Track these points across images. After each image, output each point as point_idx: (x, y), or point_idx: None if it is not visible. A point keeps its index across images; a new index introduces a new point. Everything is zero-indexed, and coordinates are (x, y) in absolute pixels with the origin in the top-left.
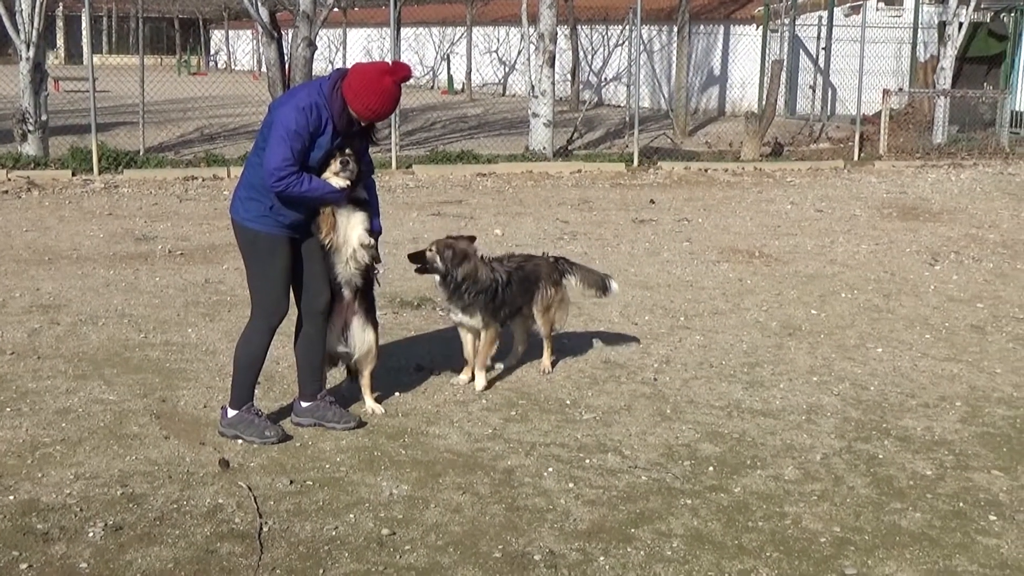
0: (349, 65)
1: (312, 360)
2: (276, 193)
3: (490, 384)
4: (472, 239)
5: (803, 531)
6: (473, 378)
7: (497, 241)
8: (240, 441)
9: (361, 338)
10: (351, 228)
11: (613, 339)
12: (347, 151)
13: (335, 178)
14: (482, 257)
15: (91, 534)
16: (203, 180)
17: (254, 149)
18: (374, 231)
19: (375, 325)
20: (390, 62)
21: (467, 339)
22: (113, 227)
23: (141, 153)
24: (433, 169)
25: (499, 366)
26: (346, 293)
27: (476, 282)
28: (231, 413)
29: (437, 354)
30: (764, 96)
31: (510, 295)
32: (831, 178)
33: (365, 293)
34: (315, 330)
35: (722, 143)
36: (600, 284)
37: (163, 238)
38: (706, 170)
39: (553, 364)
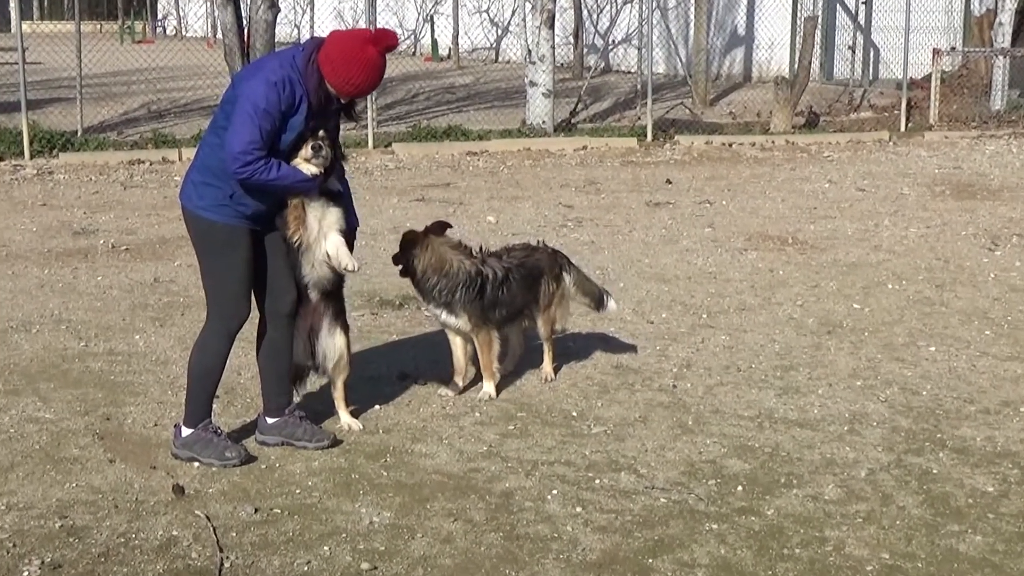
0: (318, 31)
1: (278, 369)
2: (239, 180)
3: (476, 390)
4: (443, 226)
5: (846, 559)
6: (464, 390)
7: (491, 229)
8: (197, 464)
9: (330, 344)
10: (324, 226)
11: (625, 340)
12: (320, 134)
13: (306, 165)
14: (462, 247)
15: (25, 573)
16: (151, 164)
17: (211, 127)
18: (350, 227)
19: (346, 328)
20: (372, 29)
21: (456, 343)
22: (48, 219)
23: (79, 134)
24: (416, 148)
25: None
26: (313, 295)
27: (446, 276)
28: (186, 432)
29: (423, 360)
30: (796, 59)
31: (506, 295)
32: (874, 152)
33: (333, 293)
34: (280, 335)
35: (749, 113)
36: (596, 297)
37: (105, 231)
38: (730, 144)
39: (556, 370)
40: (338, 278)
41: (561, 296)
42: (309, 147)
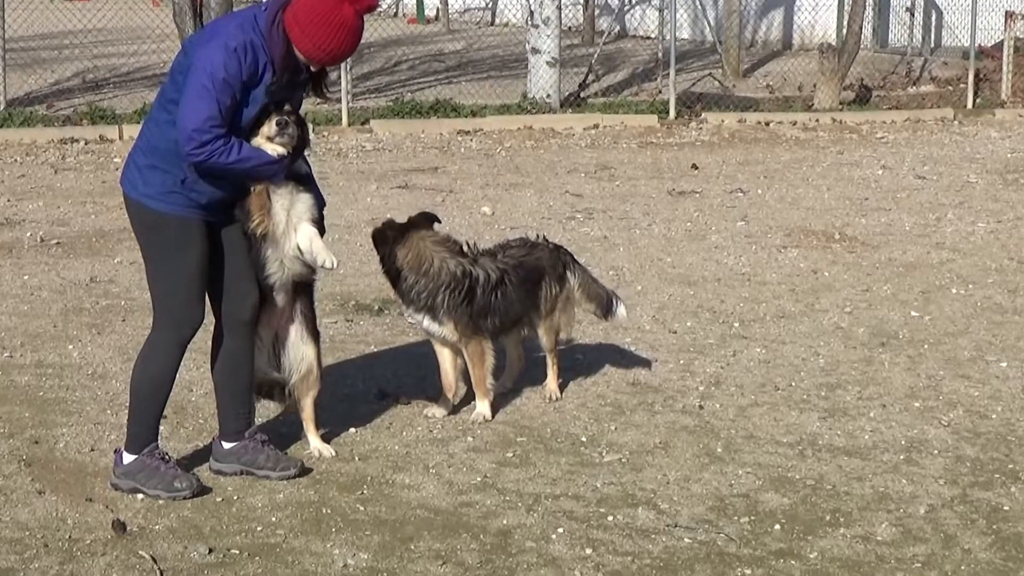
0: None
1: (237, 386)
2: (194, 163)
3: (469, 410)
4: (429, 218)
5: None
6: (454, 410)
7: (485, 222)
8: (140, 496)
9: (298, 355)
10: (294, 216)
11: (644, 353)
12: (285, 107)
13: (268, 144)
14: (449, 242)
15: None
16: (86, 143)
17: (159, 102)
18: (318, 208)
19: (316, 337)
20: None
21: (444, 356)
22: None
23: (2, 108)
24: (398, 125)
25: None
26: (279, 298)
27: (426, 276)
28: (128, 459)
29: (406, 376)
30: (845, 23)
31: (501, 300)
32: (936, 133)
33: (302, 296)
34: (239, 346)
35: (788, 86)
36: (604, 301)
37: (33, 222)
38: (767, 123)
39: (562, 387)
40: (308, 278)
41: (566, 300)
42: (273, 123)
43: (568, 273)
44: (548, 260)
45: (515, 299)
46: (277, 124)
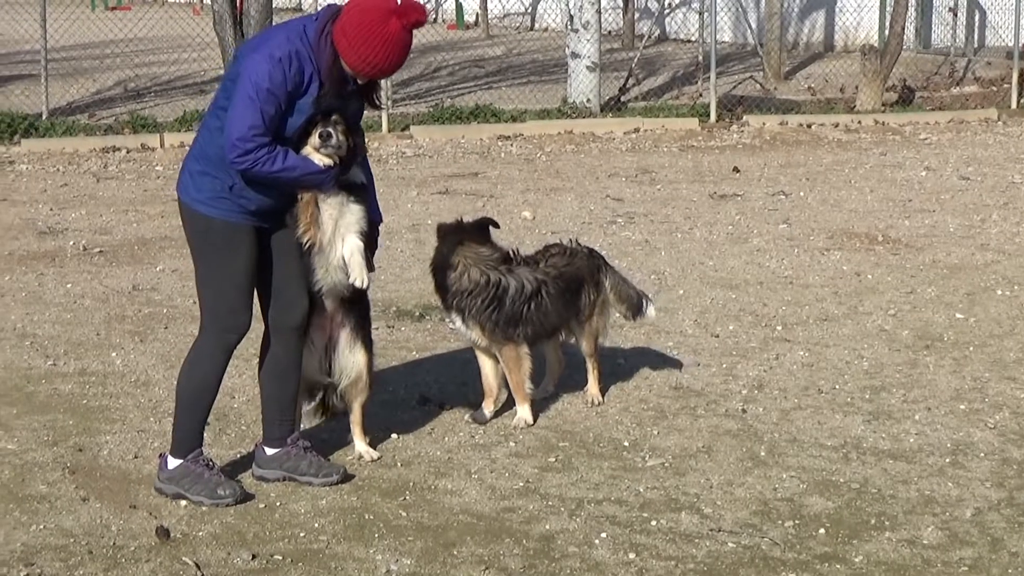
0: None
1: (283, 393)
2: (239, 171)
3: (510, 415)
4: (483, 225)
5: None
6: (496, 416)
7: (526, 227)
8: (184, 502)
9: (349, 361)
10: (342, 226)
11: (686, 357)
12: (333, 118)
13: (315, 154)
14: (487, 249)
15: None
16: (128, 152)
17: (212, 109)
18: (372, 223)
19: (368, 344)
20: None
21: (484, 362)
22: (8, 217)
23: (44, 117)
24: (438, 131)
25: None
26: (328, 304)
27: (453, 279)
28: (173, 463)
29: (448, 382)
30: (887, 24)
31: (535, 311)
32: (980, 133)
33: (355, 300)
34: (287, 353)
35: (830, 88)
36: (634, 302)
37: (76, 231)
38: (809, 125)
39: (603, 392)
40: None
41: (603, 304)
42: (317, 134)
43: (603, 277)
44: (587, 267)
45: (552, 309)
46: (320, 136)
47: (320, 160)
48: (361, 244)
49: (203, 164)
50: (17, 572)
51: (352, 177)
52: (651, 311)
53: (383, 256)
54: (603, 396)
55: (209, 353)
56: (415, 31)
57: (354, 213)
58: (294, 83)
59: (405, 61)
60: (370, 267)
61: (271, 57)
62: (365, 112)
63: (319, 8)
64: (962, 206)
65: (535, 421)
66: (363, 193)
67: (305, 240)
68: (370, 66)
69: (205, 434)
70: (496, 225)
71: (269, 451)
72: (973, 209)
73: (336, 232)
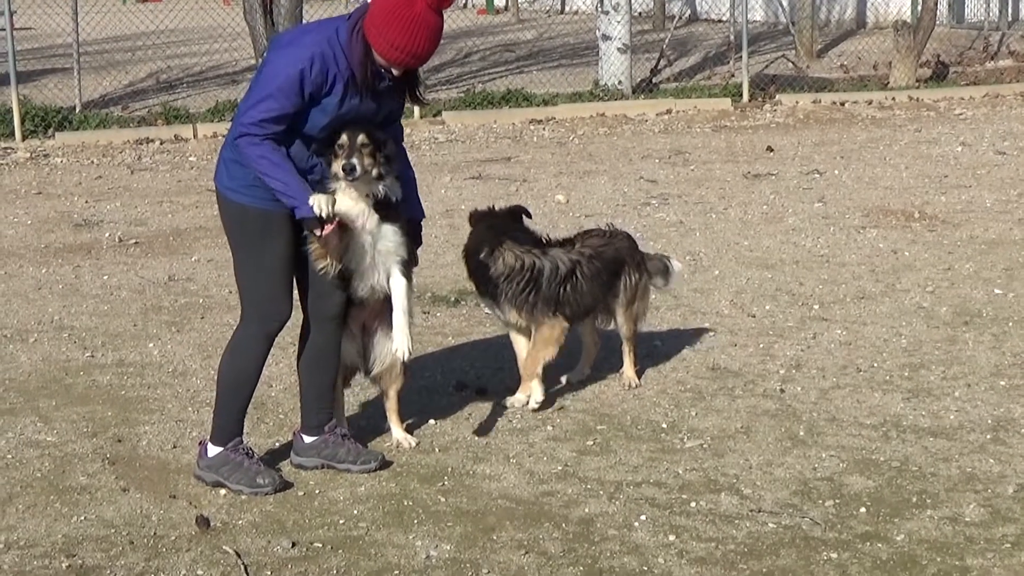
0: None
1: (321, 381)
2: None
3: (550, 401)
4: (516, 212)
5: None
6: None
7: (560, 211)
8: (224, 491)
9: (384, 347)
10: (381, 252)
11: (723, 338)
12: (360, 139)
13: (339, 188)
14: (519, 234)
15: None
16: (161, 143)
17: (247, 97)
18: (415, 220)
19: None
20: None
21: (518, 344)
22: (44, 210)
23: (78, 110)
24: (470, 116)
25: (563, 379)
26: (367, 296)
27: (486, 263)
28: (212, 451)
29: (484, 368)
30: None
31: (572, 292)
32: (1016, 107)
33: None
34: (326, 341)
35: (863, 65)
36: (662, 269)
37: (111, 223)
38: (843, 103)
39: (639, 374)
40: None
41: (644, 288)
42: (341, 163)
43: (643, 260)
44: (627, 250)
45: (588, 290)
46: (345, 168)
47: (318, 207)
48: (406, 302)
49: (236, 153)
50: (59, 563)
51: (389, 192)
52: (676, 265)
53: None
54: (639, 378)
55: (249, 342)
56: (449, 20)
57: (390, 239)
58: (315, 84)
59: (436, 45)
60: (414, 261)
61: (296, 58)
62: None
63: None
64: (999, 181)
65: (547, 405)
66: (394, 213)
67: (320, 268)
68: (399, 50)
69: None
70: (528, 215)
71: (307, 439)
72: (1010, 183)
73: (376, 258)
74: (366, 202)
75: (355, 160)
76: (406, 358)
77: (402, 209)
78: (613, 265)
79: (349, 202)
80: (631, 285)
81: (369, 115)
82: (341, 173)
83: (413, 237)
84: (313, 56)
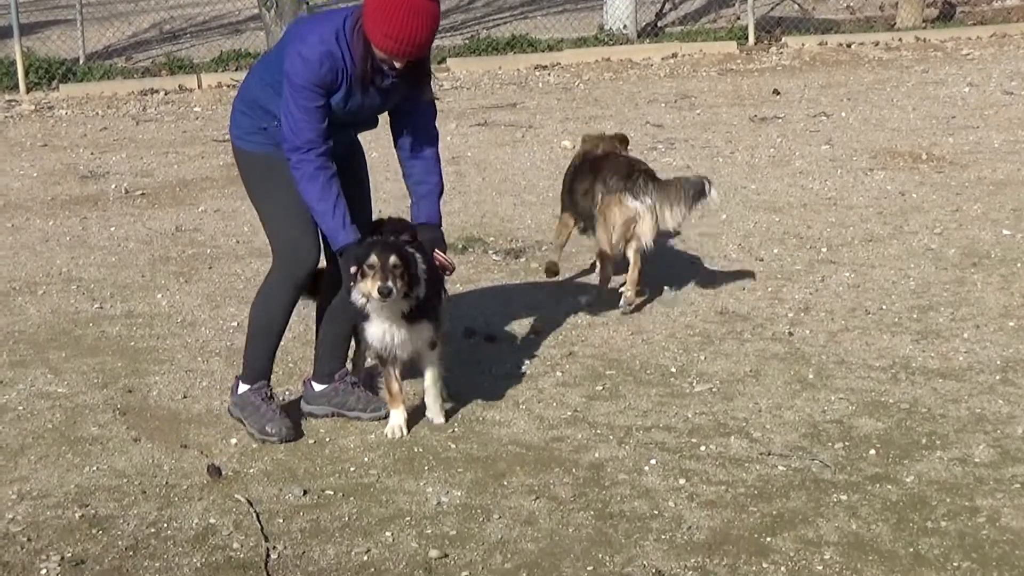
0: None
1: (338, 331)
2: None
3: (562, 347)
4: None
5: (1003, 531)
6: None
7: (566, 156)
8: (234, 440)
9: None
10: (411, 349)
11: (731, 281)
12: (391, 261)
13: (371, 307)
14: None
15: (44, 571)
16: (166, 93)
17: (264, 57)
18: (430, 224)
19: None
20: None
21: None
22: (50, 162)
23: (81, 61)
24: (475, 63)
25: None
26: None
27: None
28: (241, 389)
29: (493, 314)
30: None
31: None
32: (1023, 47)
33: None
34: (344, 291)
35: (870, 6)
36: (699, 190)
37: (117, 174)
38: (849, 45)
39: (648, 317)
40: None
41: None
42: (376, 286)
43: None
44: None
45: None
46: (381, 292)
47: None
48: (437, 381)
49: (242, 104)
50: (72, 513)
51: (414, 300)
52: (713, 194)
53: None
54: (649, 322)
55: (276, 288)
56: None
57: (424, 335)
58: (326, 81)
59: (433, 32)
60: (440, 298)
61: (305, 58)
62: None
63: None
64: (1006, 121)
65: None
66: (431, 311)
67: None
68: (394, 40)
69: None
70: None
71: (318, 387)
72: (1018, 124)
73: (408, 350)
74: (395, 315)
75: (391, 284)
76: (442, 421)
77: (419, 210)
78: None
79: (380, 321)
80: None
81: (374, 108)
82: (376, 295)
83: (433, 245)
84: (321, 56)
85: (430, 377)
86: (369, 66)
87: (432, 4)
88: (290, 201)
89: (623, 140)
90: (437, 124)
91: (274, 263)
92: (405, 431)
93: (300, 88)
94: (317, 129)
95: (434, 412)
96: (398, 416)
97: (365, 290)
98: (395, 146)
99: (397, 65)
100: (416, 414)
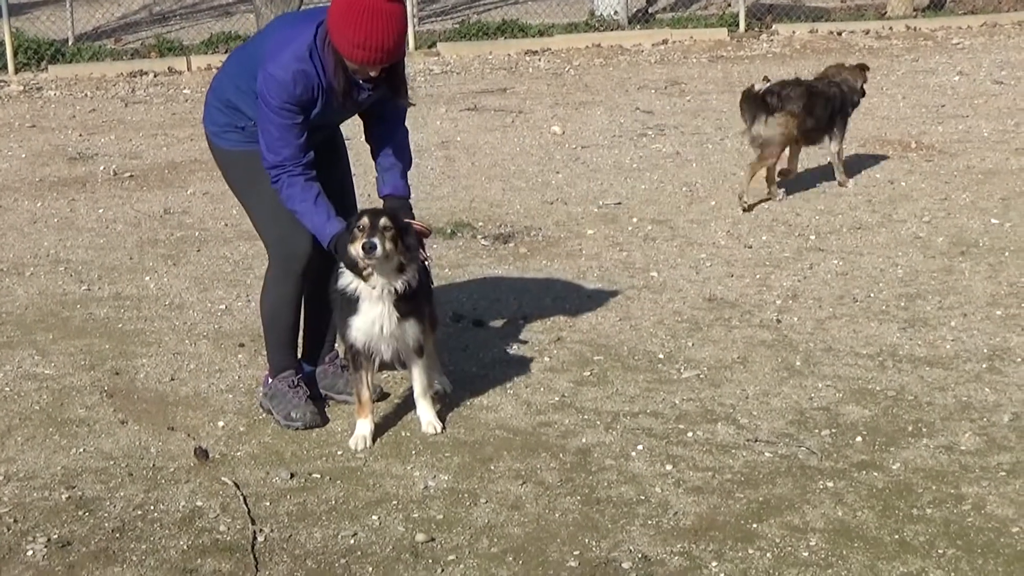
0: None
1: (325, 312)
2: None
3: (550, 333)
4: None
5: (988, 519)
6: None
7: (556, 141)
8: (221, 423)
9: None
10: (399, 346)
11: (719, 268)
12: (382, 222)
13: (361, 289)
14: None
15: (30, 552)
16: (155, 76)
17: (236, 56)
18: (399, 196)
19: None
20: None
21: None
22: (38, 143)
23: (70, 42)
24: (465, 47)
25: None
26: None
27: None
28: (269, 382)
29: (480, 299)
30: None
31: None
32: (1014, 36)
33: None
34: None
35: None
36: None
37: (105, 156)
38: (839, 33)
39: (637, 306)
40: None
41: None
42: (360, 243)
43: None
44: None
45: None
46: (365, 246)
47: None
48: (425, 383)
49: (217, 101)
50: (59, 495)
51: (410, 284)
52: None
53: (413, 175)
54: (639, 309)
55: (276, 279)
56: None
57: (412, 335)
58: (302, 100)
59: (402, 36)
60: (427, 233)
61: (275, 79)
62: None
63: None
64: (996, 111)
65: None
66: (420, 300)
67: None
68: (363, 49)
69: (240, 355)
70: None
71: (306, 368)
72: (1007, 113)
73: (397, 350)
74: (388, 300)
75: (376, 240)
76: (437, 431)
77: (384, 183)
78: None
79: (370, 304)
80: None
81: (352, 111)
82: (361, 252)
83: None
84: (294, 76)
85: (419, 387)
86: (344, 81)
87: (394, 5)
88: (274, 196)
89: (864, 68)
90: (427, 109)
91: (270, 257)
92: (370, 442)
93: (276, 109)
94: (295, 145)
95: (426, 421)
96: (364, 426)
97: (354, 252)
98: (366, 136)
99: (372, 74)
100: (405, 405)
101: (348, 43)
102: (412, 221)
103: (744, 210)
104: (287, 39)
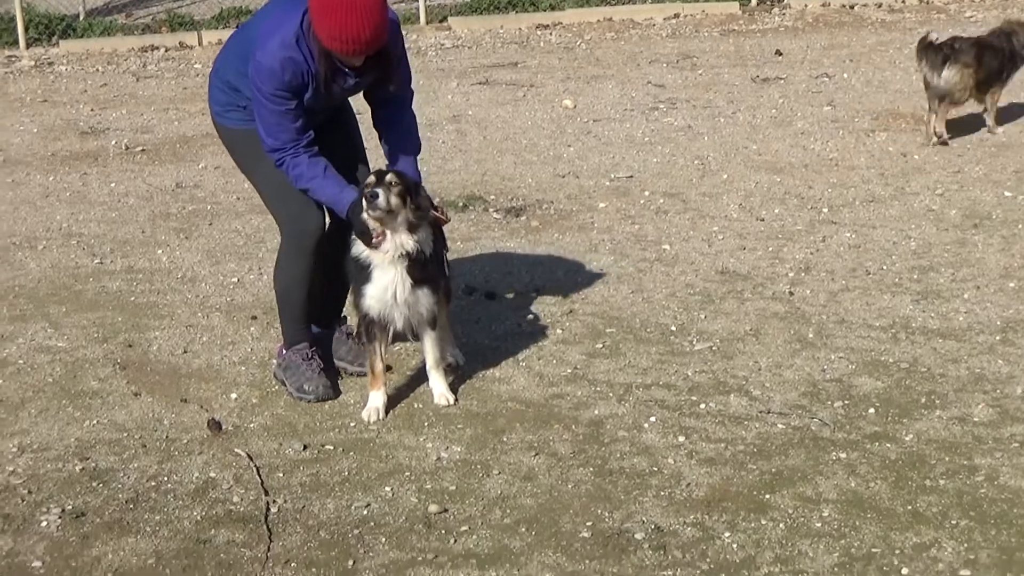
0: None
1: (335, 282)
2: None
3: (561, 305)
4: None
5: (1001, 490)
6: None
7: (567, 116)
8: (234, 395)
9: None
10: (413, 317)
11: (732, 241)
12: (388, 178)
13: (373, 257)
14: None
15: (44, 523)
16: (166, 50)
17: (235, 38)
18: (407, 177)
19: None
20: None
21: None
22: (50, 118)
23: (81, 17)
24: (477, 21)
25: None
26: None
27: None
28: (283, 353)
29: (493, 271)
30: None
31: None
32: None
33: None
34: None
35: None
36: None
37: (117, 130)
38: (852, 6)
39: (650, 278)
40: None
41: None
42: (364, 196)
43: None
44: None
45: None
46: (368, 195)
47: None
48: (437, 355)
49: (219, 81)
50: (73, 466)
51: (422, 248)
52: None
53: (425, 148)
54: (651, 282)
55: (287, 257)
56: None
57: (426, 304)
58: (292, 85)
59: (383, 25)
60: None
61: (264, 66)
62: (402, 3)
63: None
64: (1009, 84)
65: None
66: (434, 272)
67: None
68: (340, 40)
69: (252, 328)
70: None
71: (315, 329)
72: (1020, 86)
73: (410, 319)
74: (399, 265)
75: (380, 190)
76: (450, 403)
77: (393, 163)
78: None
79: (382, 271)
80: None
81: (349, 92)
82: (364, 203)
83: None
84: (283, 62)
85: (432, 359)
86: (328, 68)
87: None
88: (280, 173)
89: None
90: (438, 83)
91: (281, 233)
92: (383, 414)
93: (268, 95)
94: (293, 128)
95: (439, 393)
96: (377, 398)
97: (364, 217)
98: (373, 121)
99: (356, 63)
100: (418, 377)
101: (326, 33)
102: (432, 210)
103: (943, 144)
104: (276, 25)
